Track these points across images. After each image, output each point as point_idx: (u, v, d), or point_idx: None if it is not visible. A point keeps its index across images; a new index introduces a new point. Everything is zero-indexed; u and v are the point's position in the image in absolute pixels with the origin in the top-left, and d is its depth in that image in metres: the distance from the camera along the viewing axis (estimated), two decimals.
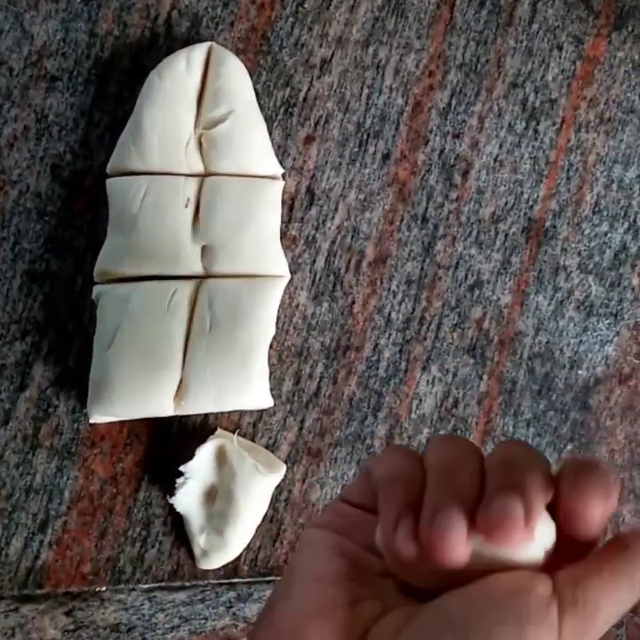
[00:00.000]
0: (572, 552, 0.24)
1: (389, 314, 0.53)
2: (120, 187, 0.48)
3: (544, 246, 0.54)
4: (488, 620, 0.23)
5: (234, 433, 0.51)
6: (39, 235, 0.50)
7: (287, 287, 0.51)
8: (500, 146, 0.54)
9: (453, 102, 0.53)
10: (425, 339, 0.53)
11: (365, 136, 0.53)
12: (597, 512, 0.24)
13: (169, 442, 0.51)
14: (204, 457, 0.50)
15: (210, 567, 0.51)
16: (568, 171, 0.54)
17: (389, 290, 0.53)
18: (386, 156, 0.53)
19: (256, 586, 0.53)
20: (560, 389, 0.55)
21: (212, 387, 0.48)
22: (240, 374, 0.48)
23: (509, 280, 0.54)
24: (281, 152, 0.52)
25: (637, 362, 0.55)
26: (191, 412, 0.49)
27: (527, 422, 0.54)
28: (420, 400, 0.53)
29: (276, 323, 0.50)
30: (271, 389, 0.50)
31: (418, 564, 0.24)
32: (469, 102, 0.53)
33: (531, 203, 0.54)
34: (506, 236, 0.54)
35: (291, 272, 0.51)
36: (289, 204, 0.52)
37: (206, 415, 0.51)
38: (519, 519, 0.23)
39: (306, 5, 0.52)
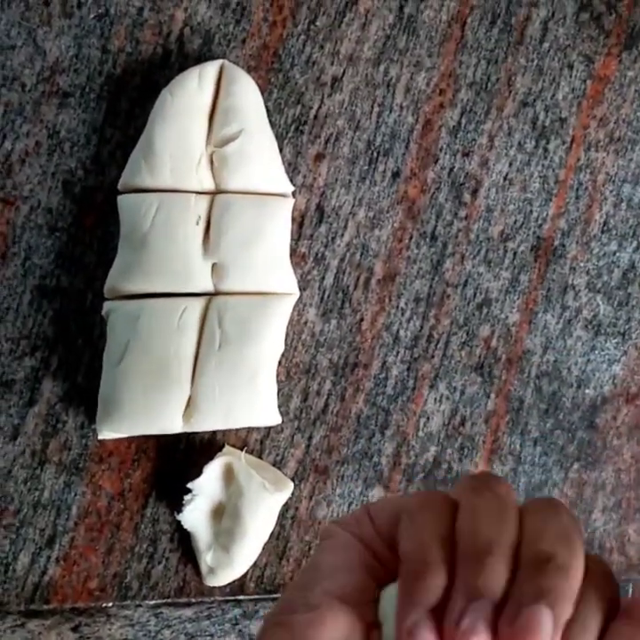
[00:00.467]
0: None
1: (397, 331, 0.53)
2: (131, 203, 0.48)
3: (553, 265, 0.54)
4: None
5: (242, 450, 0.51)
6: (50, 250, 0.50)
7: (296, 304, 0.51)
8: (510, 164, 0.54)
9: (463, 120, 0.53)
10: (433, 356, 0.53)
11: (375, 154, 0.53)
12: None
13: (177, 458, 0.51)
14: (211, 474, 0.50)
15: (216, 584, 0.51)
16: (577, 190, 0.54)
17: (398, 307, 0.53)
18: (395, 174, 0.53)
19: (262, 603, 0.53)
20: (567, 408, 0.55)
21: (220, 404, 0.48)
22: (248, 391, 0.48)
23: (518, 298, 0.54)
24: (291, 169, 0.52)
25: None
26: (199, 430, 0.49)
27: (534, 441, 0.54)
28: (428, 418, 0.53)
29: (285, 340, 0.50)
30: (279, 406, 0.50)
31: None
32: (479, 121, 0.53)
33: (540, 221, 0.54)
34: (514, 254, 0.54)
35: (300, 289, 0.51)
36: (299, 221, 0.52)
37: (214, 432, 0.51)
38: (547, 636, 0.22)
39: (318, 23, 0.52)
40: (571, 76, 0.54)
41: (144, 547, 0.51)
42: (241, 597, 0.52)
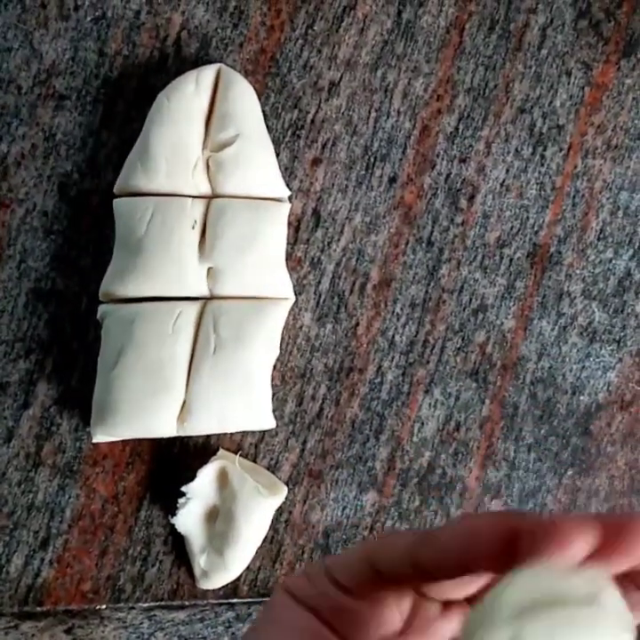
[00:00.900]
0: None
1: (393, 336, 0.53)
2: (127, 207, 0.48)
3: (548, 272, 0.54)
4: None
5: (236, 453, 0.51)
6: (45, 253, 0.50)
7: (291, 308, 0.51)
8: (507, 171, 0.54)
9: (461, 127, 0.53)
10: (428, 362, 0.53)
11: (372, 159, 0.53)
12: None
13: (171, 462, 0.51)
14: (205, 478, 0.50)
15: (210, 587, 0.51)
16: (574, 197, 0.54)
17: (393, 312, 0.53)
18: (392, 180, 0.53)
19: (255, 606, 0.53)
20: (562, 415, 0.55)
21: (214, 408, 0.48)
22: (243, 395, 0.48)
23: (513, 305, 0.54)
24: (288, 174, 0.52)
25: (639, 388, 0.55)
26: (194, 434, 0.49)
27: (528, 447, 0.54)
28: (422, 423, 0.53)
29: (280, 344, 0.50)
30: (274, 410, 0.50)
31: None
32: (477, 127, 0.53)
33: (536, 228, 0.54)
34: (511, 260, 0.54)
35: (295, 293, 0.51)
36: (295, 226, 0.52)
37: (208, 436, 0.51)
38: None
39: (315, 28, 0.52)
40: (569, 83, 0.54)
41: (138, 549, 0.51)
42: (234, 600, 0.52)
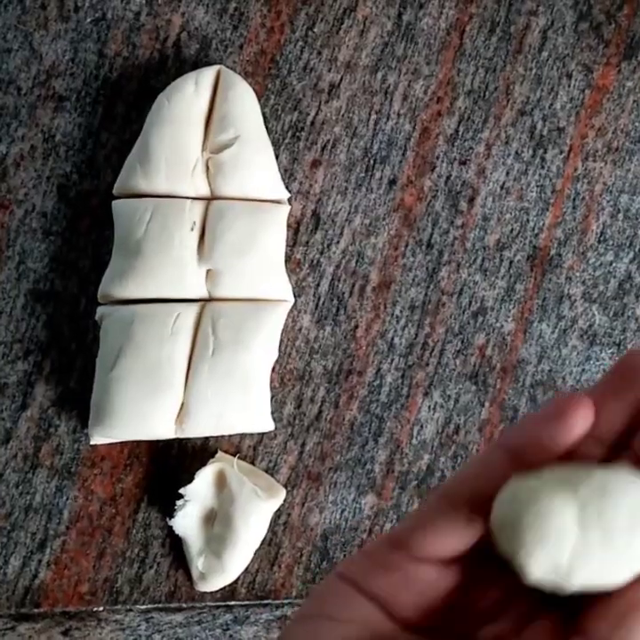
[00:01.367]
0: None
1: (392, 339, 0.53)
2: (126, 209, 0.48)
3: (548, 274, 0.54)
4: None
5: (234, 456, 0.51)
6: (44, 254, 0.50)
7: (291, 310, 0.51)
8: (507, 173, 0.54)
9: (461, 129, 0.53)
10: (427, 364, 0.53)
11: (372, 161, 0.53)
12: None
13: (169, 464, 0.51)
14: (203, 480, 0.50)
15: (207, 589, 0.51)
16: (574, 199, 0.54)
17: (393, 315, 0.53)
18: (392, 182, 0.53)
19: (253, 609, 0.53)
20: None
21: (213, 410, 0.48)
22: (242, 398, 0.48)
23: (513, 307, 0.54)
24: (287, 176, 0.52)
25: None
26: (192, 436, 0.49)
27: None
28: (422, 426, 0.53)
29: (279, 346, 0.50)
30: (272, 412, 0.50)
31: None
32: (477, 129, 0.53)
33: (536, 231, 0.54)
34: (510, 263, 0.54)
35: (294, 295, 0.51)
36: (294, 228, 0.52)
37: (207, 438, 0.51)
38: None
39: (315, 30, 0.52)
40: (569, 86, 0.54)
41: (135, 551, 0.51)
42: (232, 603, 0.52)
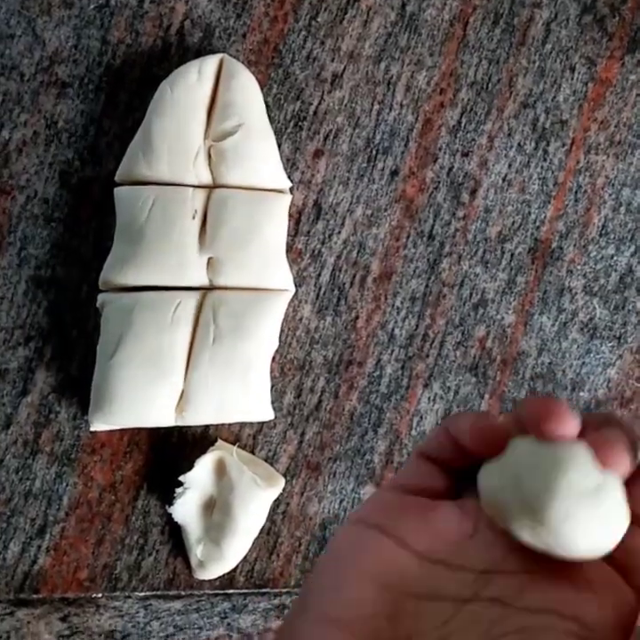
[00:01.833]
0: None
1: (393, 330, 0.53)
2: (128, 196, 0.48)
3: (550, 267, 0.54)
4: None
5: (234, 444, 0.51)
6: (45, 241, 0.50)
7: (291, 300, 0.51)
8: (509, 165, 0.54)
9: (463, 120, 0.53)
10: (427, 356, 0.53)
11: (374, 152, 0.53)
12: None
13: (169, 451, 0.51)
14: (203, 468, 0.50)
15: (206, 577, 0.51)
16: (576, 192, 0.54)
17: (393, 306, 0.53)
18: (394, 173, 0.53)
19: (251, 597, 0.53)
20: None
21: (213, 398, 0.48)
22: (242, 386, 0.48)
23: (514, 300, 0.54)
24: (289, 165, 0.52)
25: (639, 385, 0.55)
26: (192, 424, 0.49)
27: None
28: (421, 417, 0.53)
29: (280, 336, 0.50)
30: (272, 402, 0.50)
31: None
32: (480, 121, 0.53)
33: (538, 223, 0.54)
34: (512, 255, 0.54)
35: (296, 285, 0.51)
36: (296, 218, 0.52)
37: (207, 426, 0.51)
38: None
39: (319, 19, 0.52)
40: (572, 79, 0.54)
41: (134, 538, 0.51)
42: (230, 591, 0.52)
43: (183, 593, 0.52)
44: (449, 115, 0.53)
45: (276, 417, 0.51)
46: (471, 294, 0.54)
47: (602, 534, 0.24)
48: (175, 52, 0.51)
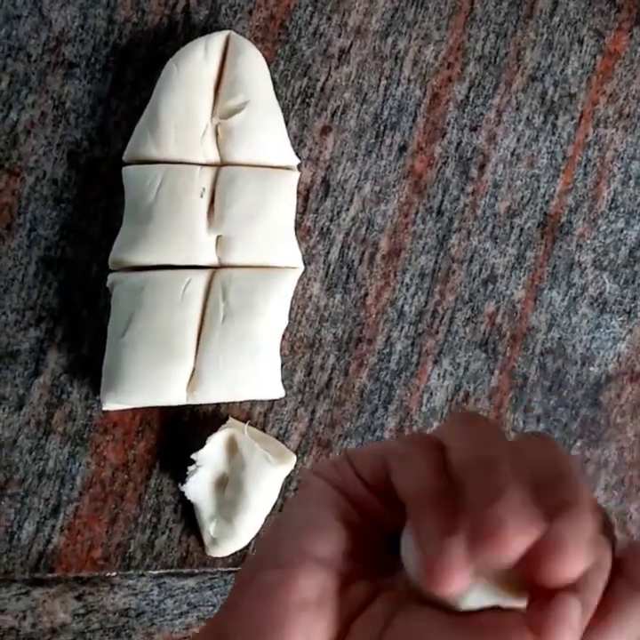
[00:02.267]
0: None
1: (402, 307, 0.53)
2: (136, 175, 0.48)
3: (559, 242, 0.54)
4: None
5: (245, 422, 0.51)
6: (55, 221, 0.50)
7: (301, 278, 0.51)
8: (518, 140, 0.53)
9: (471, 95, 0.53)
10: (437, 332, 0.53)
11: (382, 127, 0.52)
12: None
13: (181, 430, 0.51)
14: (214, 446, 0.50)
15: (219, 555, 0.51)
16: (585, 166, 0.54)
17: (403, 282, 0.53)
18: (402, 148, 0.53)
19: None
20: (571, 386, 0.55)
21: (224, 376, 0.48)
22: (252, 364, 0.49)
23: (523, 275, 0.54)
24: (297, 142, 0.52)
25: None
26: (203, 402, 0.49)
27: (537, 418, 0.54)
28: (431, 393, 0.53)
29: (289, 314, 0.50)
30: (283, 380, 0.50)
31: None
32: (488, 95, 0.53)
33: (547, 198, 0.54)
34: (521, 230, 0.54)
35: (304, 263, 0.51)
36: (304, 195, 0.52)
37: (218, 404, 0.51)
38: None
39: None
40: (580, 51, 0.53)
41: (148, 517, 0.51)
42: None
43: (197, 571, 0.52)
44: (457, 89, 0.53)
45: (286, 395, 0.51)
46: (480, 270, 0.54)
47: None
48: (181, 29, 0.51)
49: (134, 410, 0.51)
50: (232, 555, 0.51)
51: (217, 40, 0.49)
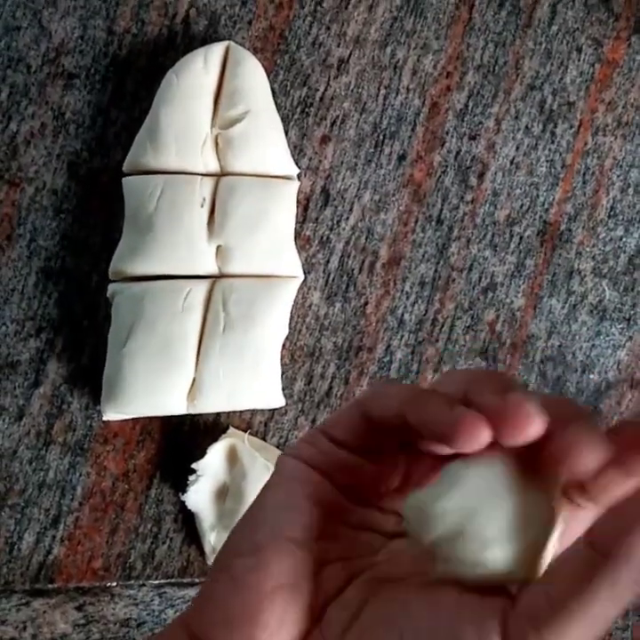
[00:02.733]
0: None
1: (402, 315, 0.53)
2: (136, 185, 0.48)
3: (558, 250, 0.54)
4: None
5: (245, 432, 0.51)
6: (55, 232, 0.50)
7: (301, 287, 0.51)
8: (517, 148, 0.53)
9: (470, 104, 0.53)
10: (437, 340, 0.53)
11: (381, 136, 0.52)
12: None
13: (181, 439, 0.51)
14: (215, 455, 0.50)
15: None
16: (584, 174, 0.54)
17: (403, 291, 0.53)
18: (402, 157, 0.53)
19: None
20: (571, 393, 0.55)
21: (224, 386, 0.48)
22: (252, 374, 0.49)
23: (523, 283, 0.54)
24: (297, 152, 0.52)
25: None
26: (204, 411, 0.49)
27: None
28: None
29: (289, 323, 0.50)
30: (283, 389, 0.50)
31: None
32: (487, 104, 0.53)
33: (546, 206, 0.54)
34: (520, 238, 0.54)
35: (304, 272, 0.51)
36: (304, 204, 0.52)
37: (218, 414, 0.51)
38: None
39: (324, 5, 0.51)
40: (579, 60, 0.54)
41: (148, 527, 0.51)
42: None
43: (197, 580, 0.52)
44: (456, 98, 0.53)
45: (286, 403, 0.51)
46: (480, 278, 0.54)
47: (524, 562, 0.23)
48: (181, 40, 0.51)
49: (135, 420, 0.51)
50: None
51: (216, 50, 0.49)
